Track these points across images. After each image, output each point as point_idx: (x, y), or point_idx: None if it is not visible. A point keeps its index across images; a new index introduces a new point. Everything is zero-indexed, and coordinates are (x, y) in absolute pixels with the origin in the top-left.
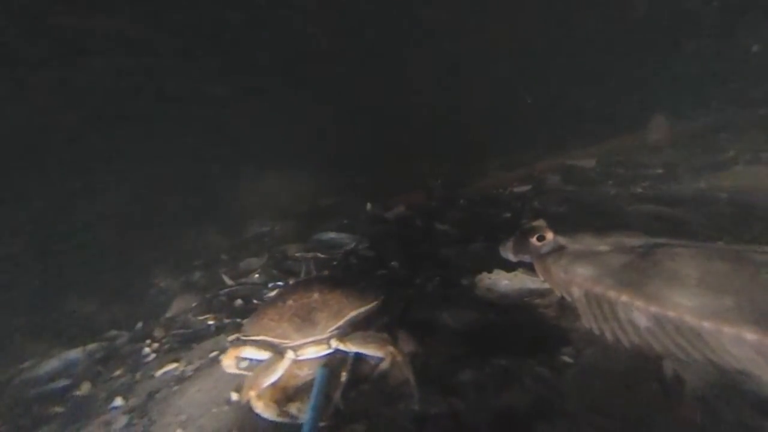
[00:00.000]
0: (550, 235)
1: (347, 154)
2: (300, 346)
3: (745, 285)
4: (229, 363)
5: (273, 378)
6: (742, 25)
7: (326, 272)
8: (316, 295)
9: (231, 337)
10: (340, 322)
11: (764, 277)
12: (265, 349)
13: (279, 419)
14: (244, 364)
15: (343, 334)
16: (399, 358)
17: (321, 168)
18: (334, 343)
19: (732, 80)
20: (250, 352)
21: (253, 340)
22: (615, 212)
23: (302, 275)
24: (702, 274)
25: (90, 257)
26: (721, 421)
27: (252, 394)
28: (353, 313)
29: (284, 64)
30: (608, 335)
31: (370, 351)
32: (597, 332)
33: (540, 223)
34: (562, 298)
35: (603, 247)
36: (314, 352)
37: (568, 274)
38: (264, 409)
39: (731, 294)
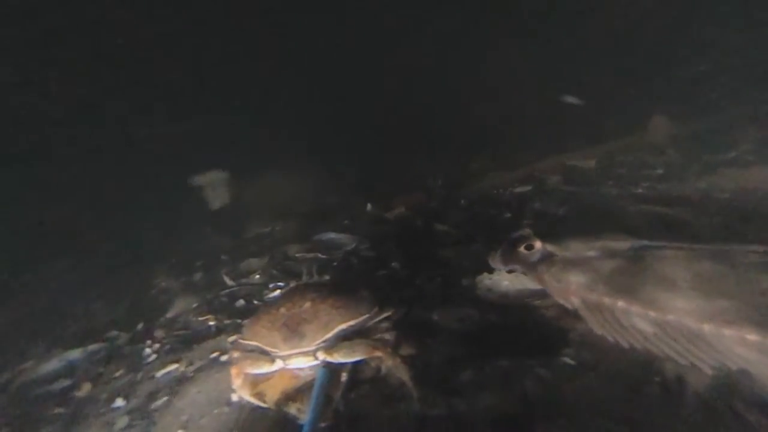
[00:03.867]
0: (538, 244)
1: (347, 154)
2: (288, 356)
3: (735, 286)
4: (237, 383)
5: (256, 371)
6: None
7: (327, 277)
8: (308, 305)
9: (232, 338)
10: (327, 336)
11: (752, 277)
12: (257, 354)
13: (254, 401)
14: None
15: (329, 347)
16: (389, 362)
17: (321, 168)
18: (321, 355)
19: (734, 79)
20: (244, 356)
21: (246, 345)
22: (616, 213)
23: (304, 278)
24: (692, 277)
25: (90, 257)
26: (723, 423)
27: (234, 371)
28: (342, 326)
29: (285, 65)
30: (623, 343)
31: (359, 358)
32: (611, 340)
33: (526, 232)
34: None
35: (591, 253)
36: (302, 362)
37: (561, 282)
38: (240, 387)
39: (724, 296)
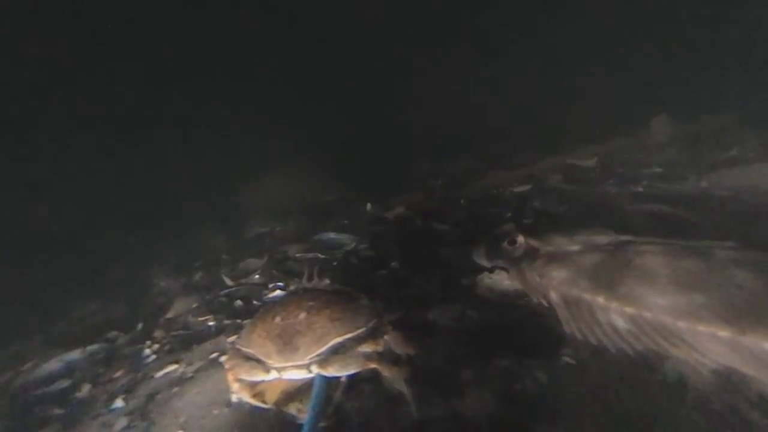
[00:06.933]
0: (521, 239)
1: (348, 154)
2: (282, 368)
3: (711, 282)
4: (235, 387)
5: (251, 378)
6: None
7: (327, 281)
8: (303, 315)
9: (231, 338)
10: (321, 350)
11: (729, 273)
12: (253, 362)
13: (254, 401)
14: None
15: (323, 360)
16: (386, 374)
17: (321, 168)
18: (315, 369)
19: (735, 79)
20: (240, 363)
21: (243, 352)
22: (616, 211)
23: (304, 280)
24: (671, 272)
25: (91, 258)
26: (724, 422)
27: (230, 376)
28: (337, 340)
29: (286, 67)
30: (592, 339)
31: (353, 371)
32: (580, 337)
33: (510, 227)
34: (540, 303)
35: (573, 247)
36: (296, 374)
37: (543, 277)
38: (239, 390)
39: (701, 291)
